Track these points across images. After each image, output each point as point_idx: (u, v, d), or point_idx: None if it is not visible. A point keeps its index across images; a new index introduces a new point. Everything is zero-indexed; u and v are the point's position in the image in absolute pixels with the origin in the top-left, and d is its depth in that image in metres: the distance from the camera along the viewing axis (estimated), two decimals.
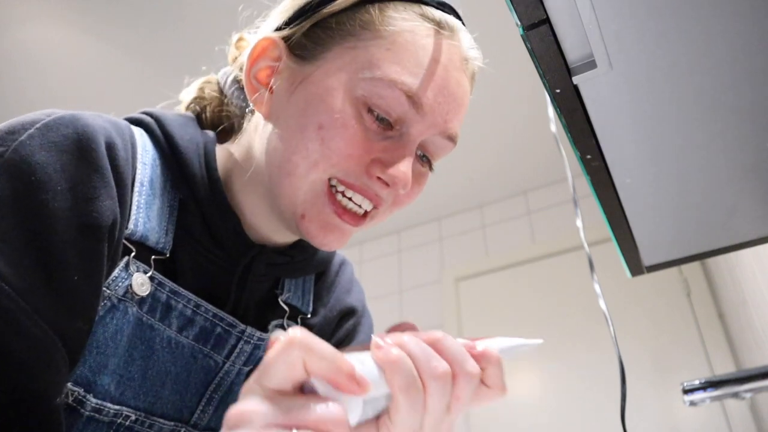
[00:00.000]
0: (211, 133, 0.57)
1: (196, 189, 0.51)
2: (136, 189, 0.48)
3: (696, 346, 2.22)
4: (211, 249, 0.52)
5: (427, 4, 0.52)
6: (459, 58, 0.52)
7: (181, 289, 0.50)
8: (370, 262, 3.27)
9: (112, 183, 0.43)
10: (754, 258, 1.29)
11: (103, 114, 0.48)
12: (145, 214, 0.48)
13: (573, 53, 0.48)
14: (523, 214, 2.92)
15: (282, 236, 0.57)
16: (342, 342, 0.65)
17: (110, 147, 0.44)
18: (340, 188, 0.50)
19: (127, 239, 0.47)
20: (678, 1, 0.43)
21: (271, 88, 0.53)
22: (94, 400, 0.44)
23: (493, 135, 2.60)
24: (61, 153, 0.41)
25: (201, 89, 0.62)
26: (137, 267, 0.47)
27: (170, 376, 0.49)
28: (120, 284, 0.45)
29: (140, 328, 0.47)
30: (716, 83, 0.50)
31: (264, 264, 0.55)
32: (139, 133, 0.51)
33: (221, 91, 0.61)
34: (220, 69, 0.66)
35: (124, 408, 0.47)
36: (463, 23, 0.55)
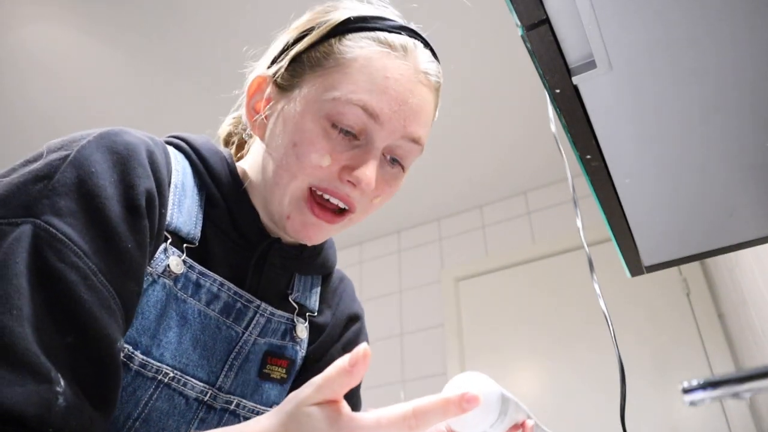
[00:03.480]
0: (227, 150, 0.68)
1: (222, 187, 0.63)
2: (171, 189, 0.58)
3: (695, 346, 2.22)
4: (234, 238, 0.63)
5: (381, 30, 0.61)
6: (412, 73, 0.61)
7: (208, 270, 0.60)
8: (370, 262, 3.27)
9: (151, 176, 0.54)
10: (753, 258, 1.29)
11: (145, 133, 0.59)
12: (178, 210, 0.59)
13: (573, 53, 0.48)
14: (523, 214, 2.92)
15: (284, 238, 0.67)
16: (351, 341, 0.76)
17: (150, 153, 0.55)
18: (319, 193, 0.61)
19: (164, 229, 0.57)
20: (677, 1, 0.43)
21: (266, 116, 0.64)
22: (140, 356, 0.54)
23: (493, 135, 2.60)
24: (112, 153, 0.51)
25: (232, 124, 0.75)
26: (173, 251, 0.57)
27: (199, 343, 0.59)
28: (160, 264, 0.56)
29: (175, 301, 0.57)
30: (716, 83, 0.50)
31: (278, 256, 0.67)
32: (170, 148, 0.62)
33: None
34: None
35: (164, 366, 0.56)
36: (423, 40, 0.65)
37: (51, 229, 0.45)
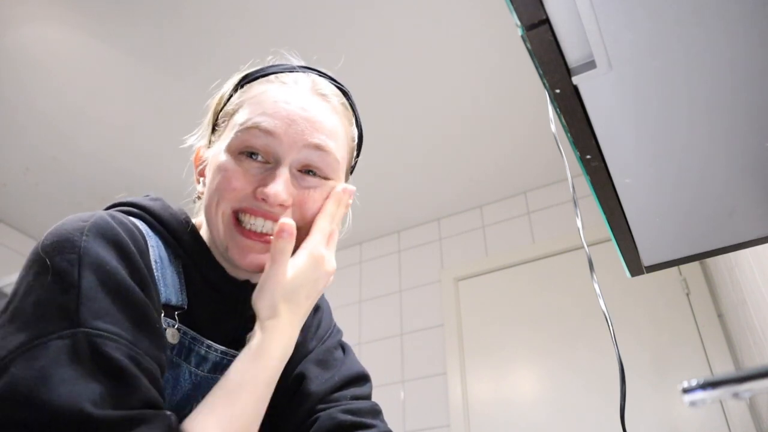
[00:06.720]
0: (180, 209, 0.73)
1: (192, 255, 0.68)
2: (153, 266, 0.63)
3: (695, 345, 2.22)
4: (213, 295, 0.69)
5: (273, 73, 0.71)
6: (305, 95, 0.69)
7: (198, 335, 0.66)
8: (370, 262, 3.27)
9: (141, 260, 0.59)
10: (753, 258, 1.29)
11: (116, 215, 0.62)
12: (163, 282, 0.64)
13: (573, 53, 0.48)
14: (523, 214, 2.92)
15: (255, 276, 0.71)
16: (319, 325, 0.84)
17: (133, 239, 0.60)
18: (246, 218, 0.66)
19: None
20: (677, 1, 0.43)
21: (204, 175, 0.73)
22: None
23: (493, 135, 2.60)
24: (112, 246, 0.57)
25: None
26: (167, 323, 0.63)
27: (191, 399, 0.66)
28: None
29: (170, 366, 0.63)
30: (715, 83, 0.50)
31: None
32: (140, 223, 0.66)
33: None
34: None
35: None
36: (320, 73, 0.74)
37: (98, 331, 0.50)
